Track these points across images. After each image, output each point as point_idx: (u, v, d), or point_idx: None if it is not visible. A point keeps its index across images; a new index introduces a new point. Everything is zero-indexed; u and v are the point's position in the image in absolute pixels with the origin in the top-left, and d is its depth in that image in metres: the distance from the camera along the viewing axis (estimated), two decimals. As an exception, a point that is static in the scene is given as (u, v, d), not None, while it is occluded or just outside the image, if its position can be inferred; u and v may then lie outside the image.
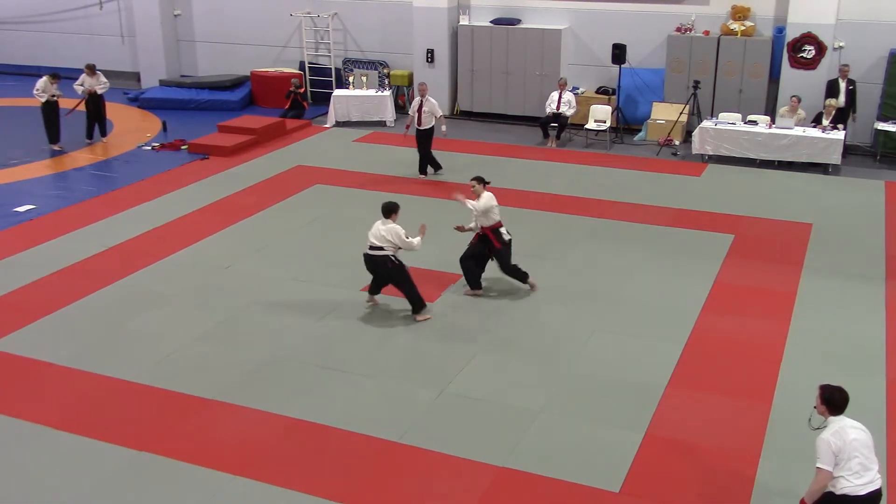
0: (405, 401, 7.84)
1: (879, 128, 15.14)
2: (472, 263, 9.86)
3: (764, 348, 8.72)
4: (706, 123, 15.20)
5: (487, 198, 9.55)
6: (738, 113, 15.60)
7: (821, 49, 15.56)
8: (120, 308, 9.68)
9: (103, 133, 16.54)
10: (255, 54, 20.03)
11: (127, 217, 12.50)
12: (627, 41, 16.39)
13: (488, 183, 9.80)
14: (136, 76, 21.31)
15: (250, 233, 11.96)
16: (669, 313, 9.46)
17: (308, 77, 19.47)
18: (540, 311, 9.60)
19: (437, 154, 14.53)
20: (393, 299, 9.82)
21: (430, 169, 14.50)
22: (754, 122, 15.19)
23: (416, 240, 9.31)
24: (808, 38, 15.57)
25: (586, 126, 16.45)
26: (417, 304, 9.37)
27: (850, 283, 10.24)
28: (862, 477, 5.38)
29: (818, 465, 5.42)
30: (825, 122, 14.77)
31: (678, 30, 16.56)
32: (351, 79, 18.35)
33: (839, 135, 14.42)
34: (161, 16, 20.52)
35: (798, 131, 14.62)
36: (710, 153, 15.12)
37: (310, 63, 19.59)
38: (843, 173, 14.52)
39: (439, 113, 14.20)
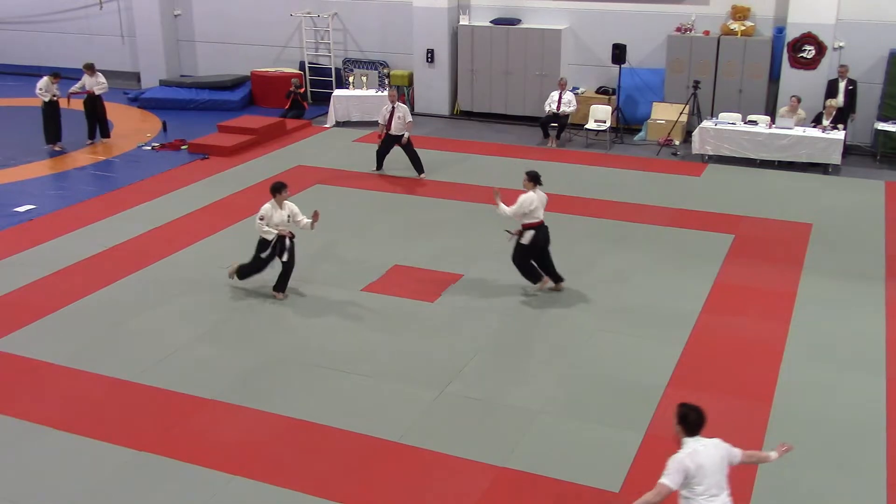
0: (405, 401, 7.84)
1: (879, 128, 15.14)
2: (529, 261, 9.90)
3: (764, 348, 8.72)
4: (706, 123, 15.20)
5: (521, 200, 9.48)
6: (738, 113, 15.59)
7: (821, 49, 15.56)
8: (120, 308, 9.68)
9: (105, 134, 16.53)
10: (255, 54, 20.03)
11: (127, 217, 12.50)
12: (627, 41, 16.39)
13: (538, 183, 9.59)
14: (136, 76, 21.31)
15: (250, 233, 11.93)
16: (669, 313, 9.47)
17: (308, 77, 19.47)
18: (540, 310, 9.59)
19: (437, 154, 14.55)
20: (393, 299, 9.82)
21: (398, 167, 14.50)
22: (754, 122, 15.19)
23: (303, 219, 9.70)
24: (808, 38, 15.57)
25: (586, 126, 16.45)
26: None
27: (850, 283, 10.24)
28: (714, 500, 5.28)
29: (662, 479, 5.29)
30: (825, 122, 14.77)
31: (678, 30, 16.56)
32: (351, 79, 18.35)
33: (839, 135, 14.42)
34: (161, 16, 20.52)
35: (798, 131, 14.62)
36: (710, 153, 15.12)
37: (310, 63, 19.60)
38: (843, 173, 14.52)
39: (409, 119, 14.35)
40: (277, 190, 9.67)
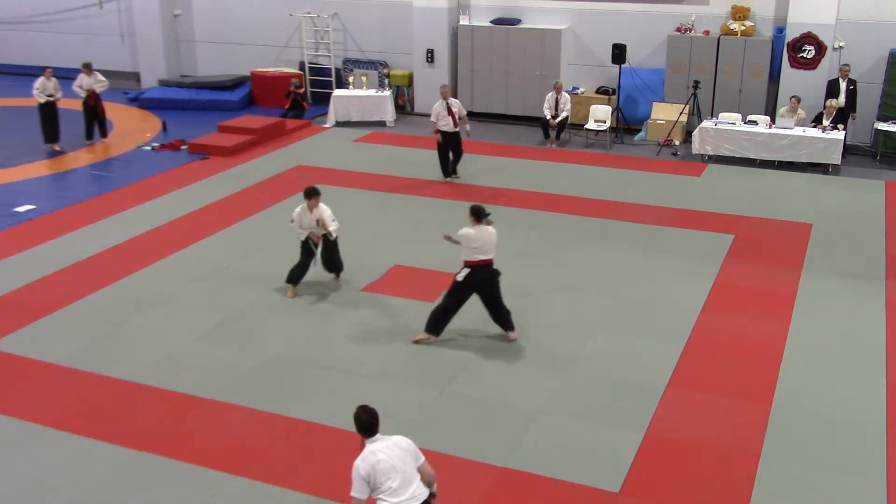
0: (405, 401, 7.84)
1: (879, 128, 15.15)
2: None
3: (764, 348, 8.72)
4: (706, 123, 15.20)
5: (460, 234, 8.68)
6: (738, 113, 15.60)
7: (821, 49, 15.57)
8: (120, 308, 9.68)
9: (103, 133, 16.54)
10: (255, 54, 20.03)
11: (127, 217, 12.50)
12: (627, 41, 16.39)
13: (484, 216, 8.70)
14: (136, 76, 21.30)
15: (250, 233, 11.96)
16: (669, 313, 9.46)
17: (308, 77, 19.47)
18: (540, 311, 9.59)
19: (437, 154, 14.51)
20: (393, 299, 9.82)
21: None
22: (754, 123, 15.19)
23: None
24: (808, 38, 15.58)
25: (586, 126, 16.45)
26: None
27: (850, 283, 10.24)
28: (399, 495, 5.23)
29: (351, 493, 5.29)
30: (825, 122, 14.77)
31: (678, 30, 16.57)
32: (351, 79, 18.35)
33: (839, 135, 14.42)
34: (161, 16, 20.52)
35: (798, 131, 14.62)
36: (710, 153, 15.13)
37: (310, 63, 19.59)
38: (843, 173, 14.52)
39: (464, 113, 13.97)
40: (308, 195, 9.79)
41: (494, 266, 8.71)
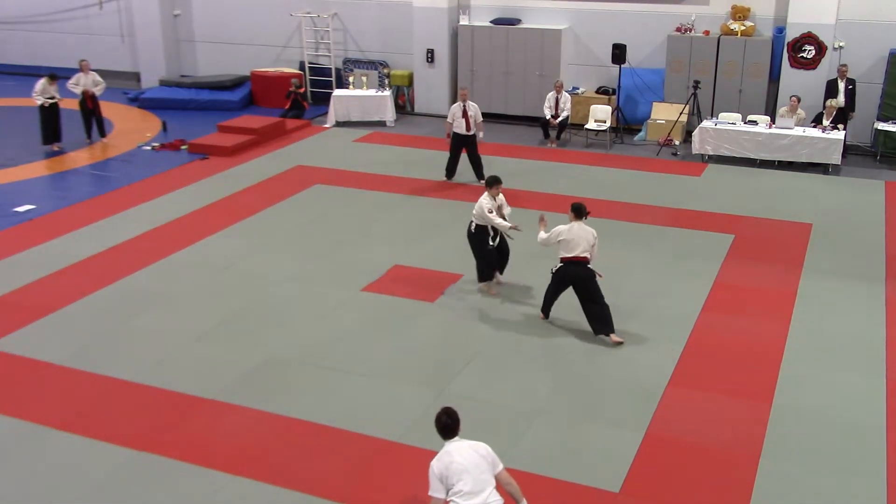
0: (405, 401, 7.84)
1: (879, 128, 15.15)
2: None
3: (764, 348, 8.72)
4: (706, 123, 15.20)
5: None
6: (738, 113, 15.60)
7: (821, 49, 15.57)
8: (120, 308, 9.68)
9: (102, 133, 16.54)
10: (255, 54, 20.03)
11: (127, 217, 12.50)
12: (627, 41, 16.39)
13: (583, 214, 9.03)
14: (136, 76, 21.31)
15: (250, 233, 11.96)
16: (669, 313, 9.47)
17: (308, 77, 19.47)
18: (539, 310, 9.58)
19: (438, 154, 14.53)
20: (393, 299, 9.82)
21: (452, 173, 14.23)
22: (754, 122, 15.19)
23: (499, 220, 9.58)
24: (808, 38, 15.58)
25: (586, 126, 16.45)
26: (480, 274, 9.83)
27: (850, 283, 10.24)
28: (472, 498, 5.29)
29: (429, 492, 5.40)
30: (825, 122, 14.78)
31: (678, 30, 16.57)
32: (351, 79, 18.35)
33: (839, 135, 14.42)
34: (161, 16, 20.52)
35: (798, 131, 14.62)
36: (710, 153, 15.13)
37: (310, 63, 19.60)
38: (843, 173, 14.52)
39: (480, 118, 13.86)
40: (490, 184, 9.76)
41: (588, 266, 8.90)
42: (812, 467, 6.93)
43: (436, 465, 5.36)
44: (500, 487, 5.52)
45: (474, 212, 9.73)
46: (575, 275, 8.88)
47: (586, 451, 7.14)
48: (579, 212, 8.88)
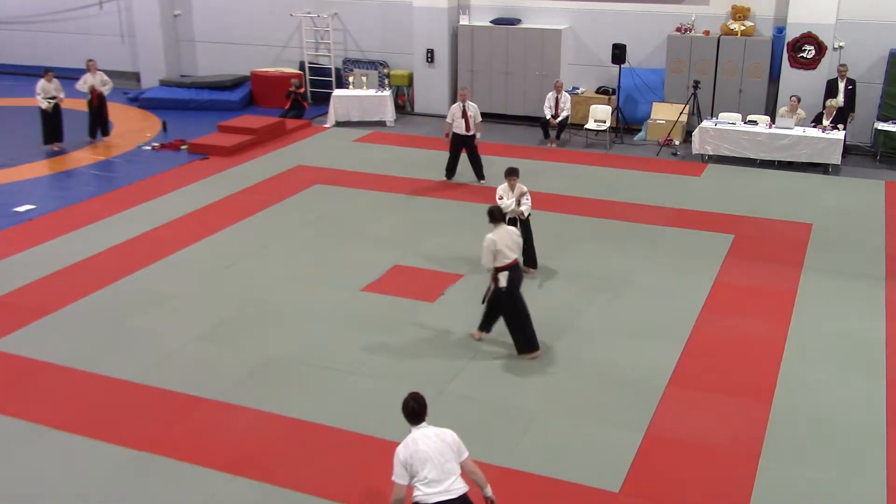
0: (405, 401, 7.84)
1: (879, 128, 15.15)
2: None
3: (764, 348, 8.72)
4: (706, 123, 15.20)
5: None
6: (738, 113, 15.60)
7: (821, 49, 15.57)
8: (120, 308, 9.68)
9: (105, 133, 16.56)
10: (255, 54, 20.03)
11: (127, 217, 12.50)
12: (627, 41, 16.39)
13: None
14: (136, 76, 21.31)
15: (250, 233, 11.96)
16: (669, 313, 9.46)
17: (308, 77, 19.47)
18: (540, 311, 9.56)
19: (437, 154, 14.51)
20: (393, 299, 9.82)
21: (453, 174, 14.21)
22: (754, 122, 15.19)
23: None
24: (808, 38, 15.58)
25: (586, 126, 16.45)
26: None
27: (850, 283, 10.24)
28: (435, 486, 5.30)
29: (392, 477, 5.38)
30: (825, 122, 14.78)
31: (678, 30, 16.56)
32: (351, 79, 18.35)
33: (839, 135, 14.42)
34: (161, 16, 20.53)
35: (798, 131, 14.62)
36: (710, 153, 15.13)
37: (310, 63, 19.60)
38: (843, 173, 14.52)
39: (479, 118, 13.81)
40: (509, 174, 10.06)
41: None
42: (812, 467, 6.92)
43: (401, 451, 5.36)
44: (465, 475, 5.50)
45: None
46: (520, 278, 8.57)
47: (586, 451, 7.13)
48: (492, 215, 8.50)
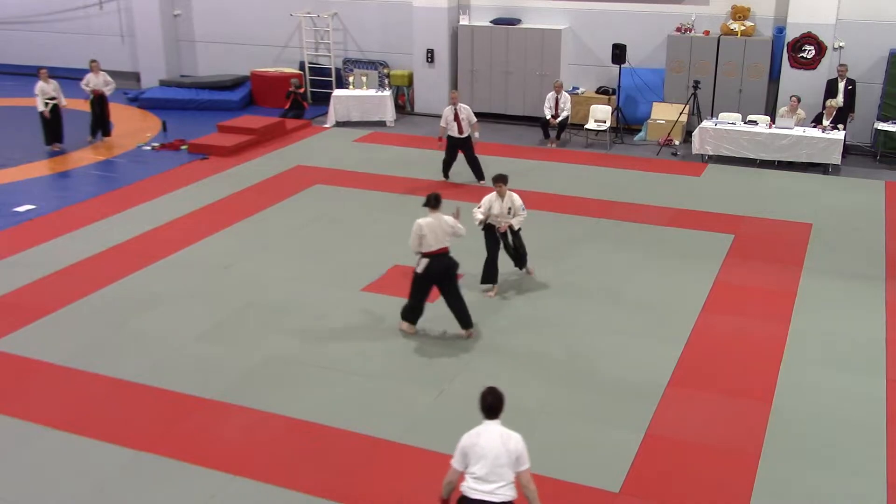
0: (405, 401, 7.84)
1: (879, 128, 15.15)
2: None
3: (764, 348, 8.72)
4: (706, 123, 15.20)
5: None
6: (738, 113, 15.60)
7: (821, 49, 15.57)
8: (120, 308, 9.68)
9: (106, 133, 16.57)
10: (255, 54, 20.04)
11: (127, 217, 12.50)
12: (627, 41, 16.39)
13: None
14: (136, 76, 21.31)
15: (250, 233, 11.96)
16: (669, 313, 9.46)
17: (308, 77, 19.47)
18: (540, 311, 9.59)
19: (437, 154, 14.49)
20: (393, 299, 9.82)
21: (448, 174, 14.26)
22: (754, 122, 15.19)
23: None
24: (808, 38, 15.58)
25: (586, 126, 16.45)
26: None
27: (850, 283, 10.24)
28: (481, 484, 5.29)
29: (451, 461, 5.44)
30: (825, 122, 14.78)
31: (678, 30, 16.56)
32: (351, 79, 18.35)
33: (839, 135, 14.42)
34: (161, 16, 20.53)
35: (798, 131, 14.63)
36: (710, 153, 15.13)
37: (310, 63, 19.60)
38: (843, 173, 14.52)
39: (474, 119, 13.85)
40: (496, 181, 9.64)
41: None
42: (812, 467, 6.92)
43: (465, 438, 5.39)
44: (519, 486, 5.45)
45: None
46: (441, 268, 8.75)
47: (586, 451, 7.13)
48: (429, 201, 8.76)
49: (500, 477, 5.31)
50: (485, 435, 5.35)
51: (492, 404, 5.43)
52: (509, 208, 9.71)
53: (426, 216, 8.69)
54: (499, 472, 5.31)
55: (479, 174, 13.92)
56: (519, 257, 10.07)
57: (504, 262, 10.09)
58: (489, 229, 9.79)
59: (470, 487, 5.33)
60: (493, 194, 9.74)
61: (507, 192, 9.73)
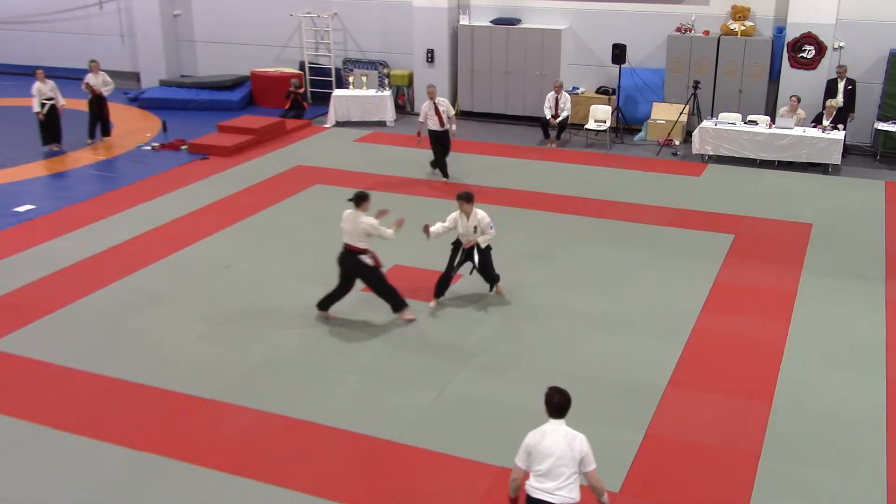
0: (405, 401, 7.84)
1: (879, 128, 15.15)
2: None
3: (764, 348, 8.72)
4: (706, 123, 15.20)
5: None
6: (738, 113, 15.60)
7: (821, 49, 15.57)
8: (120, 308, 9.68)
9: (106, 133, 16.57)
10: (255, 54, 20.04)
11: (127, 217, 12.50)
12: (627, 41, 16.39)
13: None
14: (136, 76, 21.32)
15: (250, 233, 11.96)
16: (669, 313, 9.46)
17: (308, 77, 19.47)
18: (540, 310, 9.58)
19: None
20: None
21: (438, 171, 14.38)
22: (754, 122, 15.19)
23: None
24: (808, 38, 15.58)
25: (586, 126, 16.45)
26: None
27: (850, 283, 10.24)
28: (543, 483, 5.32)
29: (515, 459, 5.47)
30: (825, 122, 14.78)
31: (678, 30, 16.57)
32: (351, 79, 18.35)
33: (839, 135, 14.42)
34: (161, 16, 20.53)
35: (798, 131, 14.63)
36: (710, 153, 15.13)
37: (310, 63, 19.60)
38: (843, 173, 14.52)
39: (452, 112, 14.06)
40: (462, 199, 9.33)
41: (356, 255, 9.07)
42: (812, 467, 6.92)
43: (530, 437, 5.40)
44: (585, 487, 5.48)
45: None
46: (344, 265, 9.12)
47: (586, 451, 7.13)
48: (356, 198, 9.13)
49: (562, 476, 5.33)
50: (550, 435, 5.37)
51: (559, 403, 5.44)
52: (475, 227, 9.38)
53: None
54: (560, 471, 5.32)
55: (445, 172, 14.15)
56: (487, 276, 9.74)
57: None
58: (457, 245, 9.63)
59: (533, 486, 5.37)
60: (456, 214, 9.44)
61: (473, 210, 9.38)
